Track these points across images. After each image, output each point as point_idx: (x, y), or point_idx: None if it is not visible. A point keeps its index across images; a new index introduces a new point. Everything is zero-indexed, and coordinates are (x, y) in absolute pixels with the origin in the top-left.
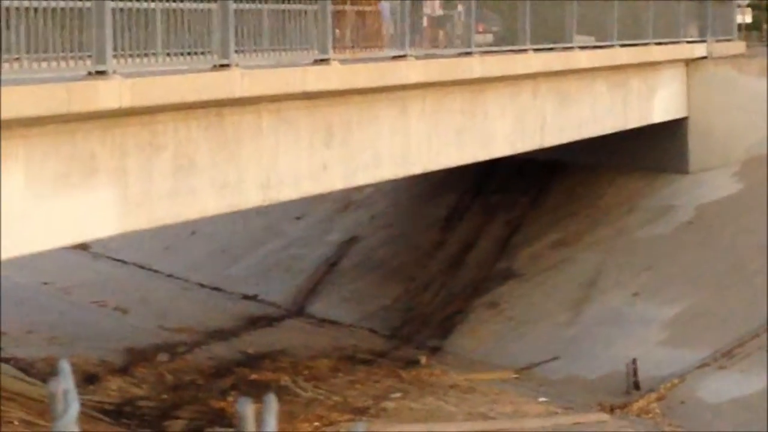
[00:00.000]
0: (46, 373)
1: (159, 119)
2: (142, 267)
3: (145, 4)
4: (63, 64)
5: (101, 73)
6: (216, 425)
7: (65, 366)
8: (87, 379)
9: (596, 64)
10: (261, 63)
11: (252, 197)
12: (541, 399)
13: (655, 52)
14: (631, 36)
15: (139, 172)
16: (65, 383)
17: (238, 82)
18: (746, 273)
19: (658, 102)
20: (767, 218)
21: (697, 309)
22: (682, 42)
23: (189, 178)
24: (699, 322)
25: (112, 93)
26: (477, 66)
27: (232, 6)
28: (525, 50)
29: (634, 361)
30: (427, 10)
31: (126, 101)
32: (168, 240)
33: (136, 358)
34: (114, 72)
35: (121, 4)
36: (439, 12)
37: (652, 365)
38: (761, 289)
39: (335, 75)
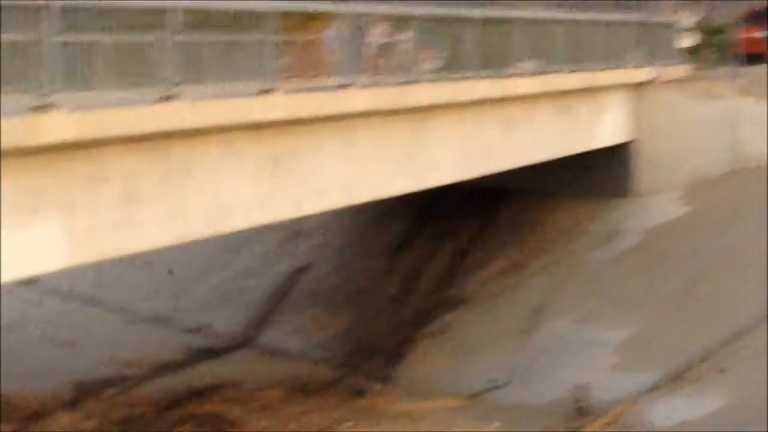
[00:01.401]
0: None
1: (106, 152)
2: (90, 300)
3: (90, 37)
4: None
5: (46, 107)
6: None
7: None
8: (36, 415)
9: (541, 90)
10: (207, 94)
11: (200, 228)
12: (495, 424)
13: (600, 77)
14: (577, 61)
15: (86, 205)
16: None
17: (184, 113)
18: (693, 296)
19: (604, 127)
20: (713, 241)
21: (646, 333)
22: (627, 66)
23: (136, 210)
24: (648, 345)
25: (57, 126)
26: (422, 93)
27: (178, 37)
28: (470, 77)
29: (580, 386)
30: (372, 38)
31: (71, 134)
32: (116, 272)
33: (85, 393)
34: (60, 106)
35: (66, 38)
36: (385, 40)
37: (602, 390)
38: (709, 312)
39: (281, 105)
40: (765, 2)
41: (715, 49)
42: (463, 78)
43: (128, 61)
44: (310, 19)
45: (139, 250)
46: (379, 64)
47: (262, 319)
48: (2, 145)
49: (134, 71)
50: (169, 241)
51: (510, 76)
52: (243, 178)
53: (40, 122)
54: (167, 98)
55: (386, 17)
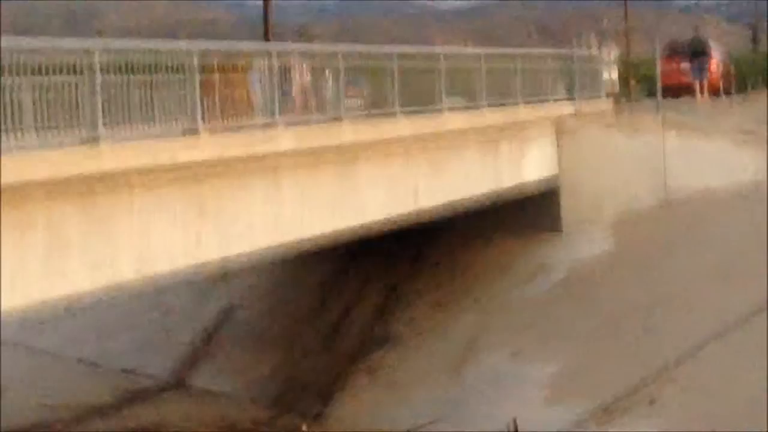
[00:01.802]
0: None
1: (30, 197)
2: (17, 344)
3: (11, 80)
4: None
5: None
6: None
7: None
8: None
9: (468, 126)
10: (129, 136)
11: (126, 274)
12: None
13: (524, 113)
14: (500, 96)
15: (11, 251)
16: None
17: (106, 155)
18: (622, 329)
19: (529, 163)
20: (640, 274)
21: (576, 366)
22: (550, 101)
23: (62, 257)
24: (578, 379)
25: None
26: (347, 131)
27: (99, 78)
28: (395, 114)
29: (513, 420)
30: (296, 77)
31: None
32: (44, 316)
33: None
34: None
35: None
36: (308, 78)
37: (533, 424)
38: (637, 345)
39: (205, 145)
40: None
41: (640, 82)
42: (388, 114)
43: (49, 103)
44: (234, 58)
45: (66, 297)
46: (304, 104)
47: (191, 361)
48: None
49: (56, 114)
50: (95, 287)
51: (436, 112)
52: (168, 221)
53: None
54: (90, 140)
55: (308, 55)
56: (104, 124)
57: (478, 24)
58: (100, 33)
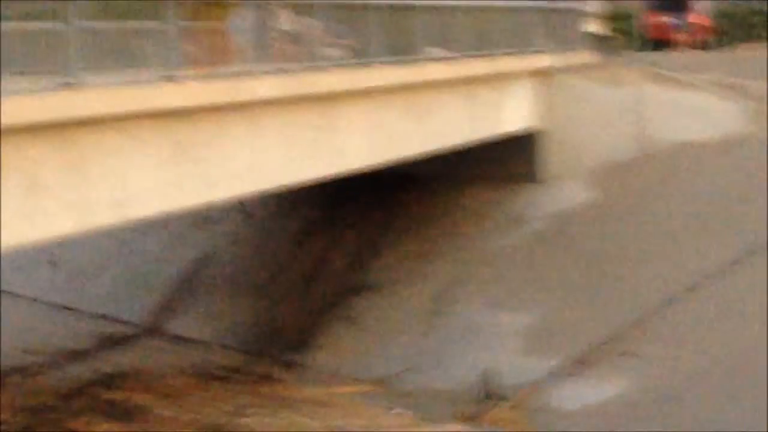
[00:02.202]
0: None
1: (6, 140)
2: None
3: None
4: None
5: None
6: None
7: None
8: None
9: (449, 76)
10: (110, 82)
11: (104, 217)
12: (396, 410)
13: (505, 63)
14: (482, 47)
15: None
16: None
17: (85, 100)
18: (598, 280)
19: (510, 112)
20: (619, 225)
21: (552, 317)
22: (532, 52)
23: (39, 199)
24: (554, 329)
25: None
26: (328, 80)
27: (80, 23)
28: (376, 63)
29: (488, 370)
30: (281, 24)
31: None
32: (20, 261)
33: None
34: None
35: None
36: (290, 26)
37: (507, 374)
38: (613, 296)
39: (184, 92)
40: None
41: (622, 34)
42: (371, 64)
43: (29, 48)
44: (215, 6)
45: (44, 240)
46: (285, 51)
47: (168, 307)
48: None
49: (36, 59)
50: (73, 229)
51: (418, 61)
52: (146, 166)
53: None
54: (69, 86)
55: (290, 3)
56: (82, 69)
57: None
58: None
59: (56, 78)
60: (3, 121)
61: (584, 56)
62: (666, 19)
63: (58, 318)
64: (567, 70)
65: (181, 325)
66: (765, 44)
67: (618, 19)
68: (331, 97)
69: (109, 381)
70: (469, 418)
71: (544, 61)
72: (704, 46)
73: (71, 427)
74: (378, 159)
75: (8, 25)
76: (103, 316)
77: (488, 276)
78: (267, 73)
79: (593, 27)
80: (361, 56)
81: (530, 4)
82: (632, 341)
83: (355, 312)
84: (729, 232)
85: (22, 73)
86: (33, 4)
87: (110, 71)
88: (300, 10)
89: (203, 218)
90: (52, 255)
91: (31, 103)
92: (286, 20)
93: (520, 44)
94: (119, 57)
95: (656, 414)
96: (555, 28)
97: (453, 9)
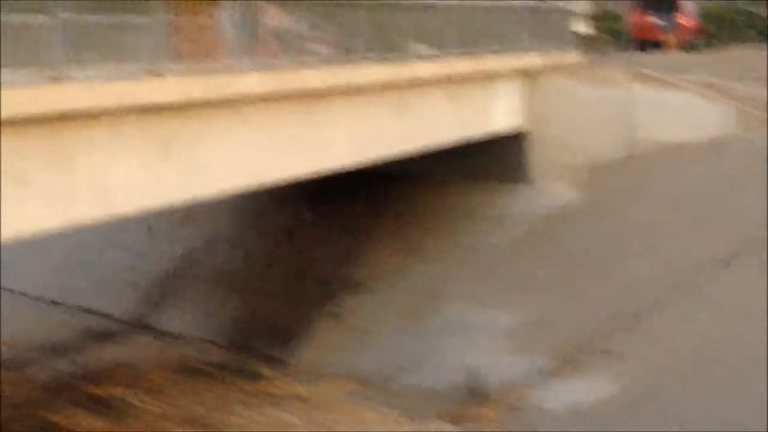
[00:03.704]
0: None
1: None
2: None
3: None
4: None
5: None
6: None
7: None
8: None
9: (435, 74)
10: (96, 76)
11: (87, 212)
12: (383, 409)
13: (491, 63)
14: (468, 46)
15: None
16: None
17: (71, 94)
18: (584, 279)
19: (497, 112)
20: (605, 225)
21: (537, 317)
22: (519, 52)
23: (22, 193)
24: (540, 329)
25: None
26: (314, 77)
27: (66, 16)
28: (363, 60)
29: (474, 369)
30: (267, 20)
31: None
32: (6, 255)
33: None
34: None
35: None
36: (278, 23)
37: (493, 373)
38: (599, 296)
39: (170, 87)
40: None
41: (609, 35)
42: (355, 61)
43: (15, 41)
44: (202, 1)
45: (25, 235)
46: (271, 48)
47: (154, 302)
48: None
49: (21, 51)
50: (55, 224)
51: (404, 59)
52: (132, 162)
53: None
54: (55, 79)
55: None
56: (68, 62)
57: None
58: None
59: (43, 71)
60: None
61: (571, 56)
62: (652, 19)
63: (42, 311)
64: (554, 69)
65: (166, 320)
66: (750, 46)
67: (606, 19)
68: (316, 94)
69: (94, 375)
70: (454, 417)
71: (531, 60)
72: (691, 47)
73: (54, 420)
74: (364, 156)
75: None
76: (88, 310)
77: (474, 274)
78: (253, 69)
79: (581, 27)
80: (346, 53)
81: (517, 3)
82: (618, 340)
83: (341, 309)
84: (715, 232)
85: (6, 66)
86: None
87: (96, 65)
88: (286, 6)
89: (189, 214)
90: (40, 249)
91: (18, 96)
92: (272, 16)
93: (506, 43)
94: (106, 51)
95: (642, 413)
96: (542, 27)
97: (439, 7)
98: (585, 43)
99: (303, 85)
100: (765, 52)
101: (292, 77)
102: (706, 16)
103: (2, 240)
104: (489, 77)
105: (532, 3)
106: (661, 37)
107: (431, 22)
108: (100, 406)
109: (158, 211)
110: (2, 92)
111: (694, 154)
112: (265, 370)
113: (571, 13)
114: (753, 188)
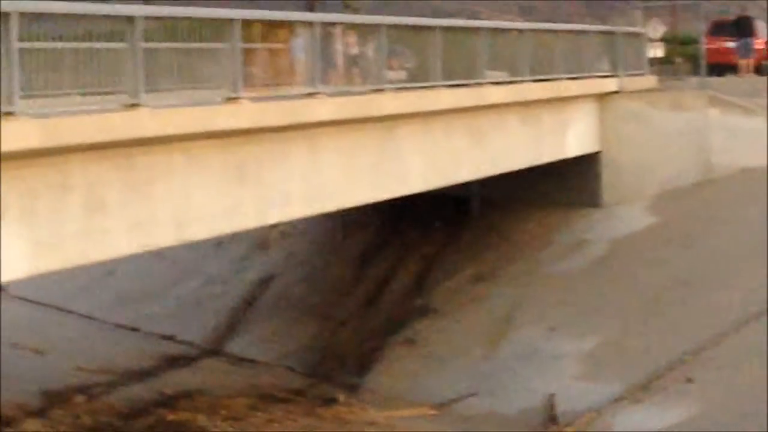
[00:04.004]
0: None
1: (69, 160)
2: (58, 308)
3: (53, 44)
4: None
5: (9, 114)
6: None
7: None
8: (3, 423)
9: (508, 100)
10: (171, 102)
11: (165, 237)
12: None
13: (567, 87)
14: (543, 71)
15: (49, 213)
16: None
17: (147, 121)
18: (660, 306)
19: (571, 136)
20: (681, 251)
21: (613, 343)
22: (594, 77)
23: (100, 218)
24: (614, 355)
25: (20, 134)
26: (389, 103)
27: (142, 45)
28: (437, 86)
29: (551, 395)
30: (341, 47)
31: (34, 142)
32: (85, 280)
33: (52, 400)
34: (22, 113)
35: (28, 44)
36: (353, 50)
37: (568, 399)
38: (675, 323)
39: (246, 113)
40: (731, 14)
41: (683, 59)
42: (430, 87)
43: (91, 68)
44: (277, 27)
45: (104, 258)
46: (346, 74)
47: (229, 328)
48: None
49: (98, 79)
50: (133, 249)
51: (478, 85)
52: (208, 186)
53: (4, 129)
54: (131, 106)
55: (353, 26)
56: (145, 91)
57: None
58: None
59: (119, 98)
60: (67, 140)
61: (646, 80)
62: (728, 44)
63: (119, 338)
64: (630, 94)
65: (242, 346)
66: None
67: (681, 43)
68: (391, 119)
69: (172, 402)
70: None
71: (607, 85)
72: (766, 71)
73: None
74: (438, 181)
75: (68, 45)
76: (165, 337)
77: (549, 300)
78: (328, 94)
79: (656, 51)
80: (422, 79)
81: (592, 27)
82: (694, 368)
83: (417, 335)
84: None
85: (85, 94)
86: (95, 24)
87: (173, 92)
88: (362, 31)
89: (264, 240)
90: (116, 275)
91: (94, 122)
92: (348, 42)
93: (583, 68)
94: (182, 78)
95: None
96: (618, 51)
97: (516, 31)
98: (660, 67)
99: (378, 111)
100: None
101: (368, 103)
102: None
103: (81, 264)
104: (563, 101)
105: (607, 27)
106: (738, 62)
107: (505, 46)
108: None
109: (233, 235)
110: (78, 119)
111: None
112: (341, 396)
113: (647, 38)
114: None
